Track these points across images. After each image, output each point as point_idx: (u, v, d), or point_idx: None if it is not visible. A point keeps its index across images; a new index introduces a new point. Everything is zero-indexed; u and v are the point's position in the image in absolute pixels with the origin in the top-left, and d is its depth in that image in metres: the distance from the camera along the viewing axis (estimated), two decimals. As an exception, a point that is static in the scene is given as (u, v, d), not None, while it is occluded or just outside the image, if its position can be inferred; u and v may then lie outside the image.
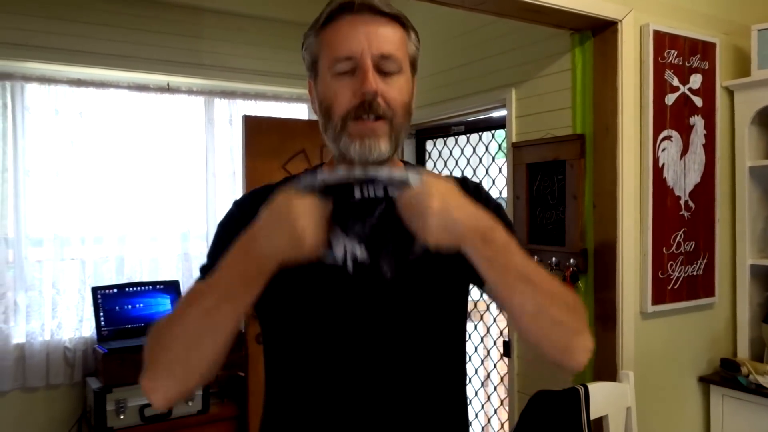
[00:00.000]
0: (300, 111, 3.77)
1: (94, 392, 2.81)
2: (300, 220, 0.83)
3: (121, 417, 2.79)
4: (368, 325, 0.97)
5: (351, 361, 0.97)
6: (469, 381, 3.38)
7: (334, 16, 0.95)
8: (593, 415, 1.91)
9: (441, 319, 1.02)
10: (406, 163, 1.10)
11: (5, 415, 2.97)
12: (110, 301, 3.08)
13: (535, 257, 2.51)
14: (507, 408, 3.02)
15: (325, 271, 0.95)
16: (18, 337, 3.01)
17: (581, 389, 1.90)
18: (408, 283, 0.98)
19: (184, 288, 3.34)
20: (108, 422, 2.77)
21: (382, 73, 0.94)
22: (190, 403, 2.94)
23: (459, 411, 1.06)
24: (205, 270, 1.01)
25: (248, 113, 3.35)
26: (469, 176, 3.21)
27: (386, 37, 0.94)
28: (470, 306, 3.35)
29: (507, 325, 2.82)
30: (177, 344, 0.89)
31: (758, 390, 2.29)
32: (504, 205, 2.91)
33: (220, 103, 3.54)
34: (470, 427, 1.11)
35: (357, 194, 0.89)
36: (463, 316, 1.08)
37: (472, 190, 1.05)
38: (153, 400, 0.91)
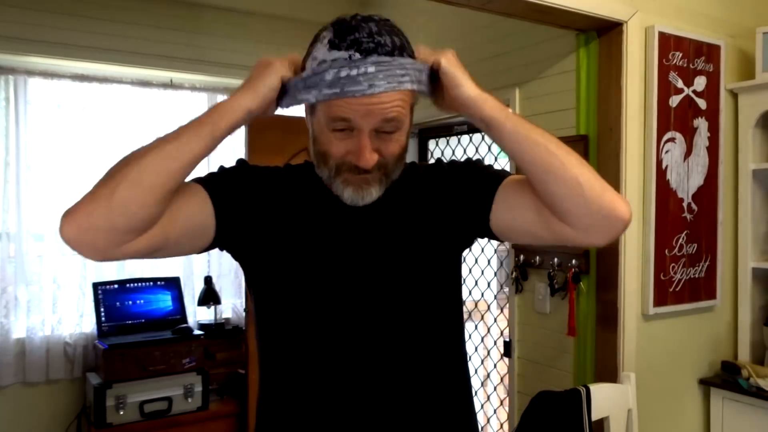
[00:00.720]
0: (302, 109, 3.75)
1: (93, 388, 2.80)
2: (270, 66, 0.94)
3: (121, 413, 2.79)
4: (361, 306, 0.98)
5: (344, 343, 0.98)
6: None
7: None
8: (594, 417, 1.91)
9: (433, 292, 1.03)
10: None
11: (5, 410, 2.96)
12: (111, 297, 3.08)
13: (537, 258, 2.52)
14: (506, 408, 3.02)
15: (319, 252, 0.98)
16: (18, 332, 3.01)
17: (583, 390, 1.90)
18: (398, 258, 1.00)
19: (185, 285, 3.33)
20: (107, 418, 2.77)
21: (383, 132, 0.93)
22: (189, 400, 2.94)
23: (457, 390, 1.06)
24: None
25: (251, 110, 3.34)
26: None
27: (391, 103, 0.91)
28: (470, 306, 3.35)
29: (508, 325, 2.82)
30: (113, 169, 0.86)
31: (759, 393, 2.29)
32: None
33: (223, 99, 3.52)
34: (474, 411, 1.11)
35: None
36: (456, 290, 1.09)
37: (444, 166, 1.10)
38: (62, 224, 0.85)
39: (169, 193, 0.87)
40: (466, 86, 0.94)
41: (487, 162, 1.15)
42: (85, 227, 0.84)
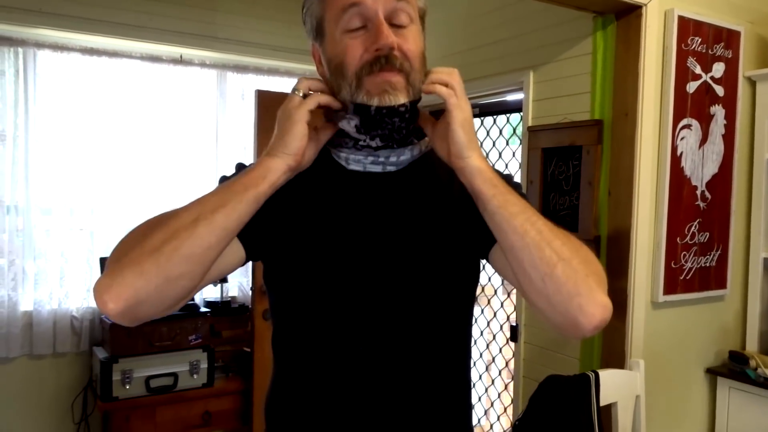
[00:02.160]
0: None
1: (100, 362, 2.82)
2: (291, 117, 0.90)
3: (127, 387, 2.81)
4: (375, 297, 0.96)
5: (358, 331, 0.96)
6: (474, 365, 3.39)
7: None
8: (602, 402, 1.90)
9: (449, 291, 1.00)
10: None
11: (13, 381, 2.99)
12: (118, 272, 3.08)
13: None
14: (510, 392, 3.03)
15: (334, 241, 0.96)
16: (26, 305, 3.02)
17: (592, 375, 1.89)
18: (417, 254, 0.97)
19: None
20: (114, 392, 2.79)
21: (394, 26, 0.91)
22: (195, 376, 2.95)
23: (462, 384, 1.06)
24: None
25: (260, 88, 3.32)
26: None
27: None
28: (478, 290, 3.34)
29: (515, 310, 2.82)
30: (156, 239, 0.82)
31: (766, 384, 2.28)
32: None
33: (232, 77, 3.51)
34: (472, 403, 1.11)
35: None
36: (471, 290, 1.06)
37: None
38: (105, 304, 0.81)
39: (216, 258, 0.87)
40: (473, 157, 0.89)
41: (522, 188, 1.08)
42: (134, 303, 0.81)
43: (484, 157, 0.92)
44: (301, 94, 0.91)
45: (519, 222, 0.86)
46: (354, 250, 0.97)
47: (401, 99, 0.90)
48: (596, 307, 0.85)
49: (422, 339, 0.98)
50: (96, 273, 3.11)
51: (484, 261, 1.04)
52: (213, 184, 2.87)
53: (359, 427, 0.96)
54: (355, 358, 0.96)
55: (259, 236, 0.96)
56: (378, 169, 0.98)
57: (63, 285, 3.09)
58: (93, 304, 3.11)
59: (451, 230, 0.99)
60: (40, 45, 3.01)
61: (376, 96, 0.89)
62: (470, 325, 1.08)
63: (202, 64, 3.41)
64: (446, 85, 0.90)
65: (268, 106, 3.05)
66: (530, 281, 0.86)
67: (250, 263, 1.19)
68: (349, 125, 0.93)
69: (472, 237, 0.99)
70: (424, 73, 0.94)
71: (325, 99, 0.92)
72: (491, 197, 0.88)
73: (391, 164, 0.98)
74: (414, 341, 0.98)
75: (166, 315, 0.89)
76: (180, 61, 3.34)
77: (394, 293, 0.96)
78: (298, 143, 0.89)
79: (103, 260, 3.07)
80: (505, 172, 1.05)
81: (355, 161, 0.98)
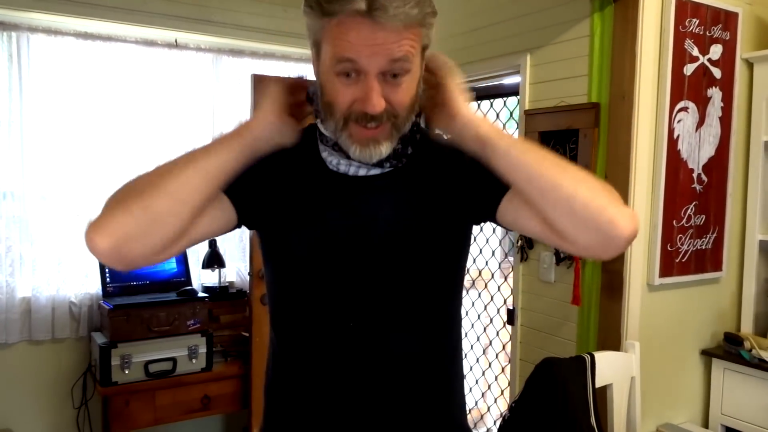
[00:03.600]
0: (308, 72, 3.71)
1: (99, 347, 2.83)
2: (268, 95, 0.97)
3: (126, 372, 2.82)
4: (366, 275, 0.98)
5: (350, 309, 0.98)
6: (471, 348, 3.41)
7: (342, 8, 0.85)
8: (598, 384, 1.92)
9: (440, 260, 1.02)
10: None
11: (12, 366, 3.00)
12: (116, 258, 3.08)
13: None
14: (507, 375, 3.05)
15: (327, 220, 0.98)
16: (24, 291, 3.02)
17: (587, 357, 1.91)
18: (407, 232, 0.99)
19: (190, 248, 3.33)
20: (113, 377, 2.80)
21: (390, 75, 0.88)
22: (194, 361, 2.97)
23: (454, 357, 1.08)
24: None
25: (256, 72, 3.30)
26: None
27: (398, 43, 0.86)
28: (474, 274, 3.35)
29: (512, 293, 2.83)
30: (143, 180, 0.90)
31: (760, 365, 2.30)
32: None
33: (228, 61, 3.48)
34: (464, 374, 1.14)
35: None
36: (461, 259, 1.08)
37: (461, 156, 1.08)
38: (97, 245, 0.84)
39: (203, 204, 0.90)
40: (466, 107, 0.95)
41: None
42: (122, 240, 0.84)
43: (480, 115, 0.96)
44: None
45: (534, 153, 0.91)
46: (346, 231, 0.98)
47: (383, 151, 0.93)
48: (626, 217, 0.87)
49: (414, 316, 1.00)
50: (93, 259, 3.10)
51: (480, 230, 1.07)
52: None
53: (354, 402, 0.99)
54: (348, 335, 0.98)
55: (252, 204, 0.99)
56: (363, 172, 1.00)
57: (61, 271, 3.09)
58: (91, 290, 3.13)
59: (441, 204, 1.01)
60: (33, 29, 2.99)
61: (357, 145, 0.92)
62: (460, 293, 1.10)
63: (198, 48, 3.39)
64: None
65: (264, 87, 3.03)
66: (555, 206, 0.88)
67: (247, 249, 1.21)
68: (327, 143, 1.00)
69: (465, 208, 1.01)
70: (414, 112, 0.97)
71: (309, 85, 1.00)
72: (500, 138, 0.91)
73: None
74: (406, 318, 0.99)
75: (158, 261, 0.90)
76: (175, 45, 3.32)
77: (384, 271, 0.98)
78: (276, 103, 0.97)
79: (100, 246, 3.07)
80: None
81: (339, 163, 1.01)
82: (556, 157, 0.91)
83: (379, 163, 0.98)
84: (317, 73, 0.96)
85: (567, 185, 0.87)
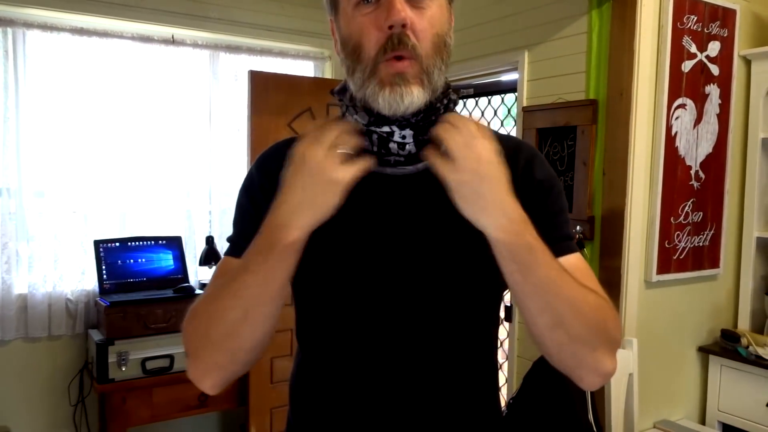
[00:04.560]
0: (306, 68, 3.70)
1: (96, 344, 2.82)
2: (337, 173, 0.80)
3: (123, 369, 2.81)
4: (397, 289, 0.92)
5: (380, 323, 0.93)
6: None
7: None
8: (595, 381, 1.92)
9: (472, 283, 0.94)
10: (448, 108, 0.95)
11: (8, 364, 2.99)
12: (112, 255, 3.07)
13: (578, 227, 2.43)
14: (505, 372, 3.05)
15: (355, 233, 0.91)
16: (20, 288, 3.01)
17: (585, 354, 1.91)
18: (440, 246, 0.92)
19: (187, 245, 3.33)
20: (110, 374, 2.79)
21: (412, 2, 0.84)
22: (191, 358, 2.96)
23: (487, 370, 1.01)
24: (232, 243, 0.98)
25: (253, 69, 3.29)
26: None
27: None
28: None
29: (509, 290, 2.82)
30: (217, 339, 0.86)
31: (757, 362, 2.31)
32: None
33: (225, 57, 3.47)
34: (498, 386, 1.06)
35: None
36: (497, 281, 0.95)
37: (522, 165, 0.95)
38: (203, 389, 0.90)
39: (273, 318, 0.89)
40: (487, 226, 0.80)
41: (563, 196, 1.00)
42: (227, 380, 0.91)
43: (505, 218, 0.79)
44: (344, 152, 0.81)
45: (534, 304, 0.82)
46: (376, 242, 0.92)
47: (414, 93, 0.83)
48: (596, 377, 0.87)
49: (446, 331, 0.94)
50: (90, 255, 3.10)
51: None
52: (206, 166, 2.83)
53: (381, 413, 0.94)
54: (377, 348, 0.93)
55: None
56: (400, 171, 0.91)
57: (57, 268, 3.08)
58: (87, 286, 3.12)
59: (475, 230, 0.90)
60: (28, 25, 2.97)
61: (387, 87, 0.83)
62: (497, 314, 1.03)
63: (195, 45, 3.37)
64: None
65: (262, 86, 3.02)
66: (537, 341, 0.86)
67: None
68: (352, 119, 0.89)
69: None
70: (445, 60, 0.88)
71: (368, 164, 0.83)
72: (509, 273, 0.81)
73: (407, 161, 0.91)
74: (436, 333, 0.93)
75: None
76: (172, 41, 3.30)
77: (415, 286, 0.92)
78: (329, 211, 0.82)
79: (97, 243, 3.05)
80: (549, 177, 0.96)
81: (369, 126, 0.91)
82: (566, 296, 0.81)
83: (415, 158, 0.89)
84: (339, 30, 0.90)
85: (555, 341, 0.83)
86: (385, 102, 0.84)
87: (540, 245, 0.81)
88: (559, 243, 0.91)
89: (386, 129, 0.88)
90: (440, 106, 0.89)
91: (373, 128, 0.89)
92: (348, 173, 0.80)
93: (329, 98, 0.98)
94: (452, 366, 0.95)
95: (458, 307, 0.94)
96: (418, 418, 0.93)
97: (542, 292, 0.81)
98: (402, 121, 0.86)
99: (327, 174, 0.79)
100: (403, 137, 0.88)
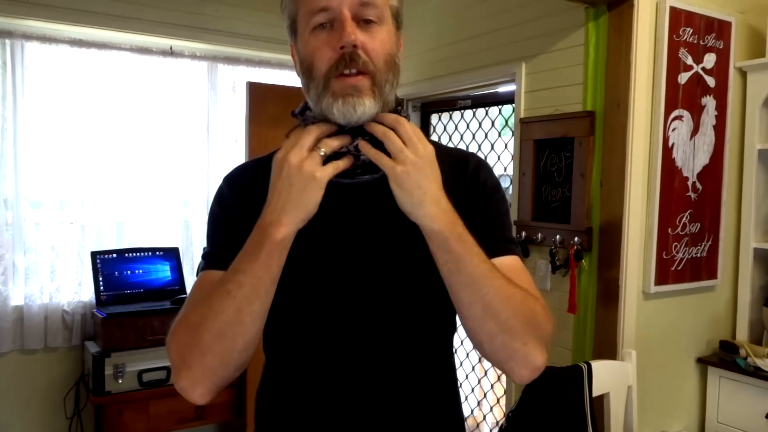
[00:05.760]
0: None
1: (92, 356, 2.81)
2: (317, 172, 0.87)
3: (120, 381, 2.80)
4: (358, 295, 0.96)
5: (342, 329, 0.97)
6: (467, 356, 3.40)
7: None
8: (595, 393, 1.92)
9: (431, 286, 0.97)
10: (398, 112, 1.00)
11: (4, 376, 2.97)
12: (109, 266, 3.06)
13: (539, 235, 2.51)
14: (503, 384, 3.04)
15: (317, 242, 0.95)
16: (16, 299, 3.00)
17: (584, 367, 1.90)
18: (400, 251, 0.96)
19: (184, 256, 3.32)
20: (106, 386, 2.78)
21: (362, 22, 0.90)
22: (188, 370, 2.95)
23: (446, 374, 1.06)
24: (208, 255, 1.01)
25: (251, 80, 3.30)
26: (474, 151, 3.19)
27: None
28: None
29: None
30: (209, 342, 0.88)
31: (756, 373, 2.30)
32: (508, 182, 2.89)
33: (223, 68, 3.48)
34: (459, 392, 1.11)
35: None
36: None
37: (471, 171, 1.03)
38: (193, 398, 0.91)
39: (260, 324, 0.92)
40: (422, 215, 0.88)
41: (507, 202, 1.08)
42: (216, 387, 0.91)
43: (439, 209, 0.87)
44: (322, 153, 0.88)
45: (466, 294, 0.88)
46: (335, 251, 0.97)
47: (366, 104, 0.89)
48: (526, 370, 0.92)
49: (405, 334, 0.98)
50: (87, 267, 3.10)
51: None
52: (204, 178, 2.84)
53: (346, 420, 0.97)
54: (341, 354, 0.97)
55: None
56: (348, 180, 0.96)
57: (54, 279, 3.07)
58: (84, 298, 3.11)
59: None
60: (27, 37, 2.98)
61: (340, 99, 0.89)
62: (454, 319, 1.06)
63: (193, 56, 3.39)
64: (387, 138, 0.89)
65: (260, 97, 3.04)
66: (470, 335, 0.92)
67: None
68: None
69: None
70: (395, 77, 0.94)
71: (344, 164, 0.91)
72: (443, 263, 0.89)
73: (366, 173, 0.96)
74: (396, 336, 0.98)
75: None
76: (170, 52, 3.32)
77: (375, 292, 0.96)
78: (313, 208, 0.89)
79: (94, 254, 3.05)
80: (493, 183, 1.04)
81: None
82: (497, 288, 0.88)
83: (372, 167, 0.93)
84: (298, 52, 0.96)
85: (487, 332, 0.89)
86: (340, 112, 0.89)
87: (470, 238, 0.88)
88: (498, 243, 0.98)
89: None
90: None
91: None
92: (327, 171, 0.88)
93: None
94: (413, 369, 0.99)
95: (417, 311, 0.98)
96: (379, 420, 0.97)
97: (473, 283, 0.88)
98: (356, 132, 0.91)
99: (309, 172, 0.87)
100: (357, 148, 0.93)
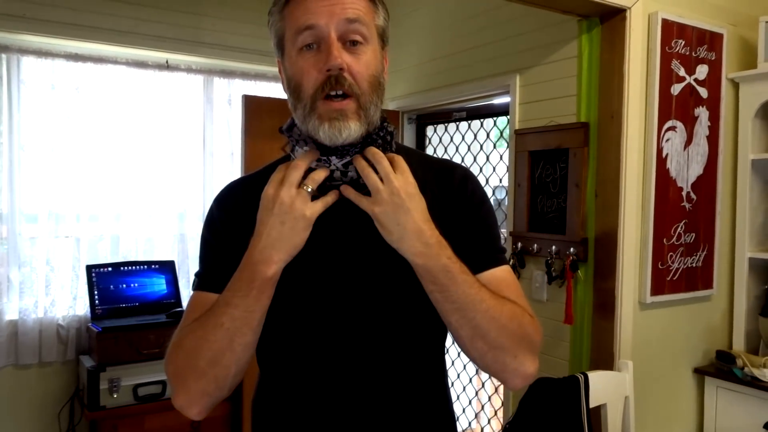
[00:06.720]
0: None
1: (87, 370, 2.79)
2: (307, 210, 0.89)
3: (115, 396, 2.78)
4: (351, 303, 0.98)
5: (335, 338, 0.98)
6: (464, 367, 3.39)
7: None
8: (592, 404, 1.91)
9: (418, 298, 0.97)
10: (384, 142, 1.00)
11: (-2, 391, 2.95)
12: (105, 280, 3.05)
13: (535, 245, 2.51)
14: (501, 395, 3.03)
15: (308, 252, 0.95)
16: (11, 314, 2.98)
17: (581, 378, 1.90)
18: (392, 260, 0.95)
19: (180, 269, 3.32)
20: (101, 401, 2.76)
21: (348, 43, 0.92)
22: (184, 384, 2.93)
23: (439, 384, 1.07)
24: (201, 277, 1.02)
25: (247, 93, 3.31)
26: (470, 162, 3.20)
27: (351, 4, 0.92)
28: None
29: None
30: (203, 368, 0.91)
31: (753, 382, 2.30)
32: (504, 193, 2.89)
33: (219, 82, 3.49)
34: (451, 400, 1.11)
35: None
36: None
37: (457, 182, 1.04)
38: (190, 416, 0.95)
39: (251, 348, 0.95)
40: (404, 249, 0.91)
41: (493, 211, 1.08)
42: (211, 405, 0.95)
43: (420, 243, 0.89)
44: (309, 190, 0.90)
45: (454, 318, 0.91)
46: (325, 266, 0.98)
47: (352, 127, 0.91)
48: (519, 379, 0.96)
49: (396, 346, 0.99)
50: (82, 281, 3.08)
51: None
52: (200, 191, 2.84)
53: (338, 423, 0.98)
54: (333, 365, 0.98)
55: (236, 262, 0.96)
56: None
57: (49, 293, 3.06)
58: (79, 312, 3.10)
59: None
60: (24, 51, 2.99)
61: (326, 122, 0.90)
62: (444, 330, 1.06)
63: (189, 70, 3.40)
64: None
65: (256, 110, 3.04)
66: (462, 350, 0.96)
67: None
68: (302, 150, 0.95)
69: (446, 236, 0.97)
70: (379, 97, 0.96)
71: (332, 199, 0.93)
72: (429, 291, 0.91)
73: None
74: (388, 348, 0.99)
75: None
76: (166, 66, 3.33)
77: (367, 304, 0.97)
78: (302, 245, 0.91)
79: (89, 267, 3.04)
80: (480, 196, 1.04)
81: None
82: (485, 309, 0.90)
83: (357, 184, 0.94)
84: (285, 70, 0.98)
85: (477, 351, 0.93)
86: (326, 135, 0.91)
87: (456, 266, 0.90)
88: (488, 255, 1.01)
89: (326, 158, 0.95)
90: (376, 137, 0.96)
91: (321, 158, 0.95)
92: (316, 209, 0.91)
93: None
94: (403, 379, 1.00)
95: (407, 324, 0.99)
96: (372, 430, 0.98)
97: (460, 309, 0.90)
98: (342, 151, 0.93)
99: (298, 211, 0.89)
100: (345, 166, 0.94)
